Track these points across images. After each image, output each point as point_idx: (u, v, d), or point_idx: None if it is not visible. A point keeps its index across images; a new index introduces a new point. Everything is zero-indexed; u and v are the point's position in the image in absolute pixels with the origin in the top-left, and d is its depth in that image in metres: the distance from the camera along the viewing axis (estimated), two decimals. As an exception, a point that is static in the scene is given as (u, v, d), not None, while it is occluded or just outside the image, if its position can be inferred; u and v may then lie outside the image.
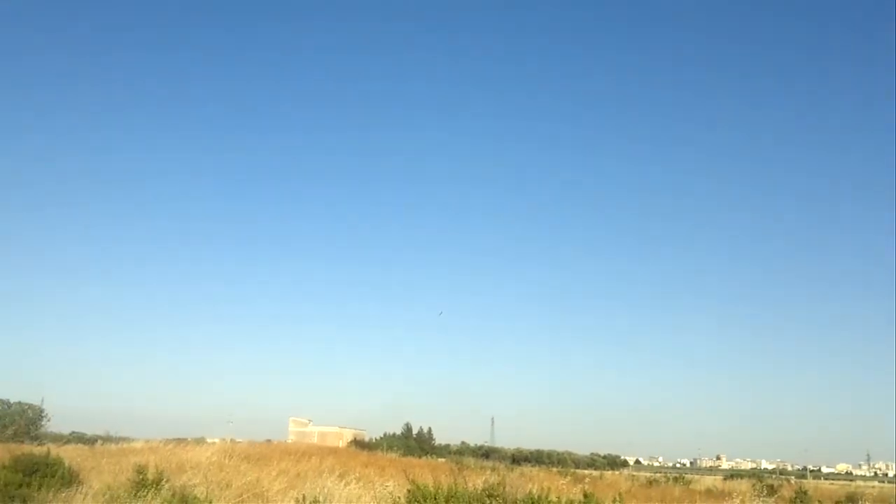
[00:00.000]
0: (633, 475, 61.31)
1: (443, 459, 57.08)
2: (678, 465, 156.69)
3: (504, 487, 13.41)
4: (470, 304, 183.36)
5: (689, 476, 61.93)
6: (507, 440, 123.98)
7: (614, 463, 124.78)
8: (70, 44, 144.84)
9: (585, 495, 12.50)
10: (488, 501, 12.75)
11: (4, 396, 52.75)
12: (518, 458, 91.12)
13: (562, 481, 29.91)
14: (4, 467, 21.87)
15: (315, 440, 73.73)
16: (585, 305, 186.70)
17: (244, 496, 20.28)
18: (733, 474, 74.70)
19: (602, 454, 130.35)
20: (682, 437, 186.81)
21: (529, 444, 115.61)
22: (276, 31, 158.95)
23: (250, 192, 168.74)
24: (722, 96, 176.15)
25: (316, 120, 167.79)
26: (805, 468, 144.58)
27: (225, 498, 19.36)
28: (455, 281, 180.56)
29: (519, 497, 12.97)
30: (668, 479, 51.72)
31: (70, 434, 63.16)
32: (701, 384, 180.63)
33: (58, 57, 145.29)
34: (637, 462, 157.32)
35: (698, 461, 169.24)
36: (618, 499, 12.43)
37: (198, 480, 21.34)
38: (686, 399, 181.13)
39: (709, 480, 53.86)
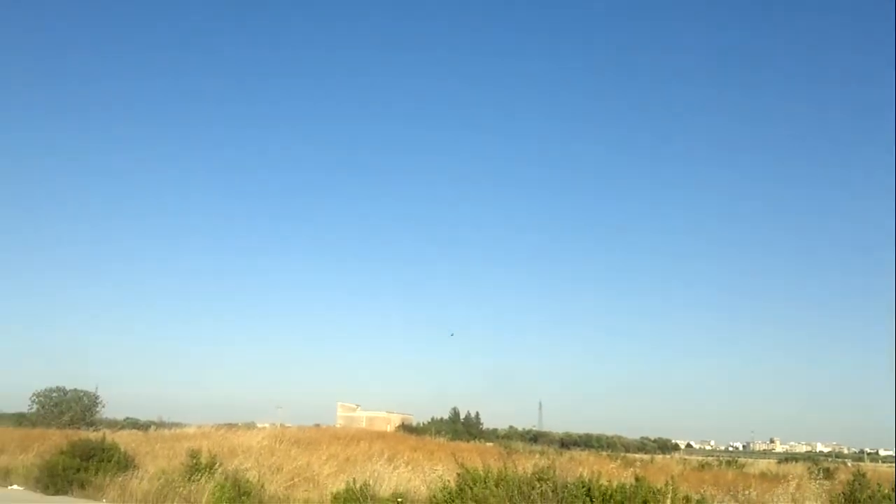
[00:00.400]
0: (685, 459, 60.79)
1: (491, 444, 57.22)
2: (730, 449, 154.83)
3: (554, 471, 13.38)
4: (515, 289, 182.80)
5: (742, 459, 61.22)
6: (556, 424, 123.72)
7: (665, 447, 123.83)
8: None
9: (637, 479, 12.42)
10: (538, 485, 12.73)
11: (60, 384, 54.22)
12: (567, 443, 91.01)
13: (612, 465, 29.79)
14: (62, 453, 22.53)
15: (363, 425, 74.44)
16: (632, 287, 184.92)
17: (295, 480, 20.59)
18: (788, 457, 73.70)
19: (652, 438, 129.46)
20: (734, 420, 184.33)
21: (578, 428, 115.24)
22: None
23: (287, 179, 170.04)
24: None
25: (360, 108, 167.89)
26: (862, 451, 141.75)
27: (276, 482, 19.67)
28: (500, 265, 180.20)
29: (569, 481, 12.94)
30: (721, 462, 51.17)
31: (124, 420, 64.70)
32: (753, 365, 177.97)
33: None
34: (688, 446, 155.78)
35: (751, 444, 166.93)
36: (670, 482, 12.31)
37: (250, 464, 21.72)
38: (738, 381, 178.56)
39: (763, 464, 53.12)
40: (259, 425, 57.49)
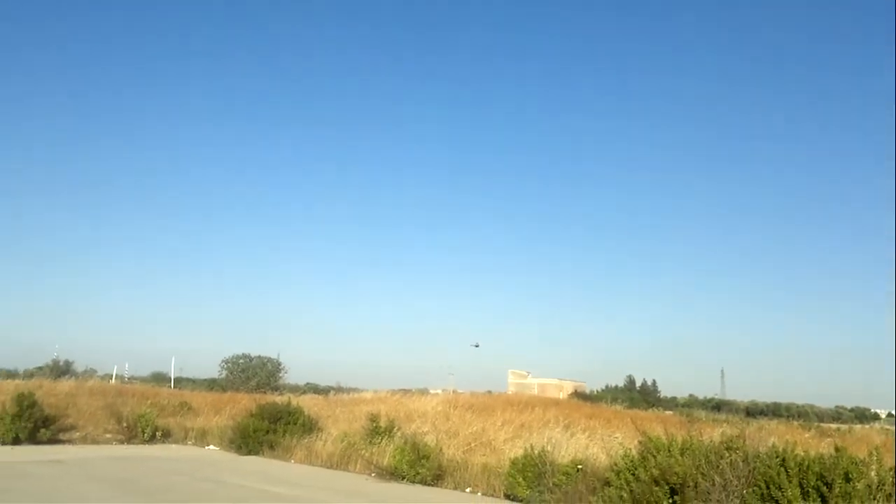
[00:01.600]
0: (887, 429, 56.95)
1: (670, 412, 56.12)
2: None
3: (743, 440, 12.94)
4: (694, 251, 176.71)
5: (956, 430, 56.56)
6: (739, 393, 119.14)
7: (863, 416, 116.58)
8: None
9: (837, 449, 11.77)
10: (727, 454, 12.37)
11: (246, 351, 58.22)
12: (752, 412, 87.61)
13: (805, 435, 28.43)
14: (252, 416, 24.29)
15: (535, 392, 74.91)
16: (822, 243, 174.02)
17: (472, 445, 21.13)
18: None
19: (848, 407, 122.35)
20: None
21: (764, 396, 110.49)
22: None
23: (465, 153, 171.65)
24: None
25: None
26: None
27: (454, 446, 20.26)
28: (679, 231, 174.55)
29: (761, 451, 12.48)
30: (931, 433, 47.48)
31: (305, 385, 68.72)
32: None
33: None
34: (889, 415, 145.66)
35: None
36: (874, 453, 11.59)
37: (427, 429, 22.48)
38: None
39: (981, 435, 48.74)
40: (432, 391, 59.27)
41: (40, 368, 54.39)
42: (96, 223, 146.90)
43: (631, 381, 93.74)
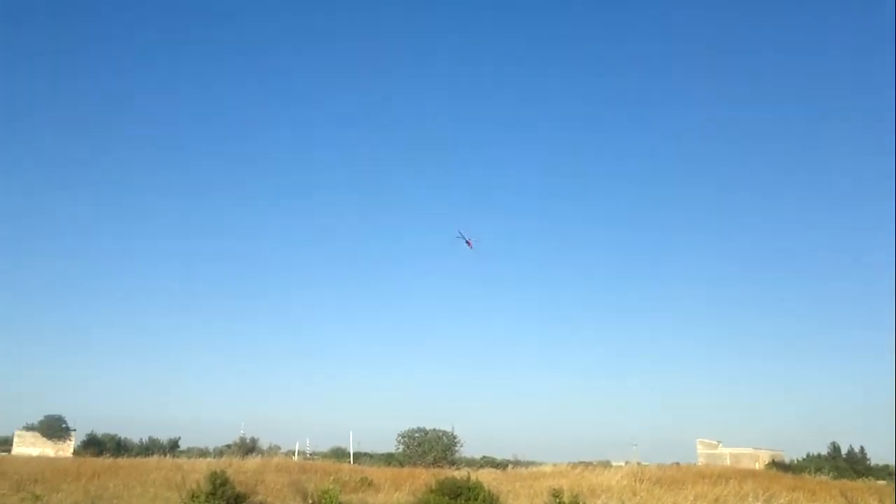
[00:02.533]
0: None
1: (882, 482, 51.79)
2: None
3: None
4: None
5: None
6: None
7: None
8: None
9: None
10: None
11: (421, 425, 59.27)
12: (982, 479, 78.93)
13: None
14: (432, 491, 24.64)
15: (727, 462, 71.30)
16: None
17: (662, 521, 20.44)
18: None
19: None
20: None
21: None
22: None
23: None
24: None
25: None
26: None
27: (642, 523, 19.68)
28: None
29: None
30: None
31: (482, 458, 68.77)
32: None
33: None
34: None
35: None
36: None
37: (613, 504, 22.01)
38: None
39: None
40: (614, 464, 57.82)
41: (229, 446, 57.81)
42: (266, 303, 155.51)
43: (835, 449, 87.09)
